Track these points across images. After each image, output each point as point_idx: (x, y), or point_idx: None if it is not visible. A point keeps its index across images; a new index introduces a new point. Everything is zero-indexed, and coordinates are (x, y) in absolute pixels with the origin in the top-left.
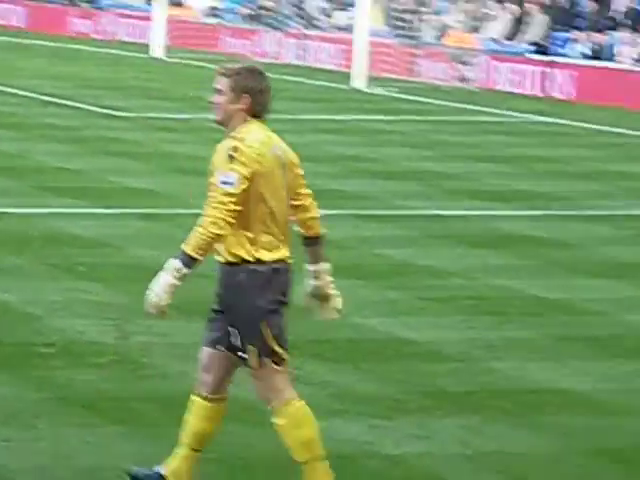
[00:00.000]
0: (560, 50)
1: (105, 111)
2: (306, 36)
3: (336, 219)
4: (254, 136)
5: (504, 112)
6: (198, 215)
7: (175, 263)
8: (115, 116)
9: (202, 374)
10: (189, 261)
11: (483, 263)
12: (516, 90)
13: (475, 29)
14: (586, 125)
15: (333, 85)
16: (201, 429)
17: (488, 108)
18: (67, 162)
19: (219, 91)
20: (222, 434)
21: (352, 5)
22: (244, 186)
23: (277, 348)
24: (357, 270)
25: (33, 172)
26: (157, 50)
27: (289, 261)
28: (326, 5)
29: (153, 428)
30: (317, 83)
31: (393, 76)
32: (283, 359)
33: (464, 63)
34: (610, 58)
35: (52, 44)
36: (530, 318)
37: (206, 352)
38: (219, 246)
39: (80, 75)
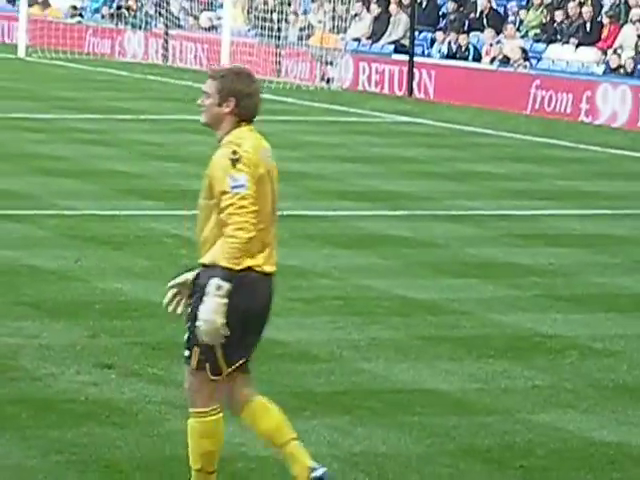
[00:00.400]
0: (423, 50)
1: None
2: (170, 36)
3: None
4: (248, 142)
5: (368, 112)
6: (60, 216)
7: (215, 282)
8: None
9: None
10: (227, 274)
11: (349, 263)
12: (380, 90)
13: (340, 29)
14: (449, 125)
15: (197, 85)
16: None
17: (352, 108)
18: None
19: (206, 93)
20: (86, 435)
21: (217, 6)
22: (254, 187)
23: (221, 360)
24: None
25: None
26: (21, 50)
27: (265, 270)
28: (190, 5)
29: (22, 431)
30: (182, 83)
31: (257, 76)
32: (221, 372)
33: (328, 63)
34: (472, 58)
35: None
36: (397, 318)
37: None
38: (204, 246)
39: None
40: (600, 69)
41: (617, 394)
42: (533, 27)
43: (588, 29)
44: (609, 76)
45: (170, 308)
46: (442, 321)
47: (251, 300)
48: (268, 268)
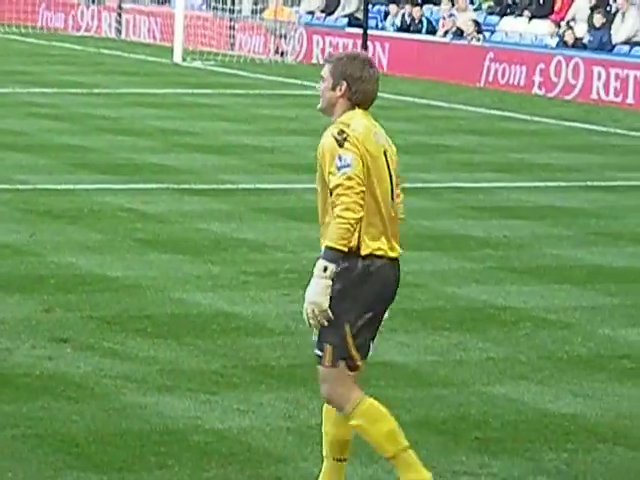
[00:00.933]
0: (377, 23)
1: None
2: (123, 10)
3: (156, 193)
4: (357, 122)
5: None
6: (14, 191)
7: (321, 264)
8: None
9: None
10: (334, 255)
11: (303, 236)
12: None
13: (294, 2)
14: (403, 98)
15: (151, 59)
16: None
17: (306, 81)
18: None
19: (322, 78)
20: (42, 410)
21: None
22: (360, 166)
23: (354, 352)
24: (179, 245)
25: None
26: None
27: (390, 255)
28: None
29: None
30: (136, 57)
31: (211, 49)
32: (357, 365)
33: (282, 36)
34: (426, 31)
35: None
36: None
37: None
38: (325, 231)
39: None
40: (554, 41)
41: (571, 366)
42: (486, 0)
43: (541, 1)
44: (562, 49)
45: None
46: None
47: (379, 287)
48: (392, 253)
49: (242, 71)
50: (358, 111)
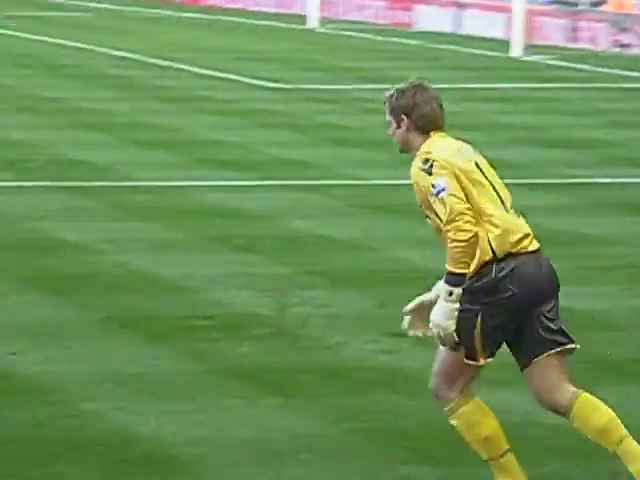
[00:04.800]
0: None
1: (261, 83)
2: (462, 5)
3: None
4: (438, 146)
5: None
6: (349, 186)
7: (446, 288)
8: (271, 88)
9: None
10: (455, 279)
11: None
12: None
13: None
14: None
15: (490, 54)
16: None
17: None
18: (224, 135)
19: (388, 122)
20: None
21: None
22: (455, 183)
23: (480, 347)
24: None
25: (191, 145)
26: (312, 21)
27: (529, 250)
28: None
29: (312, 399)
30: (474, 52)
31: (551, 43)
32: (477, 360)
33: (624, 29)
34: None
35: (207, 16)
36: None
37: None
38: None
39: (236, 47)
40: None
41: None
42: None
43: None
44: None
45: (410, 333)
46: None
47: (517, 287)
48: (530, 247)
49: (582, 64)
50: (435, 137)
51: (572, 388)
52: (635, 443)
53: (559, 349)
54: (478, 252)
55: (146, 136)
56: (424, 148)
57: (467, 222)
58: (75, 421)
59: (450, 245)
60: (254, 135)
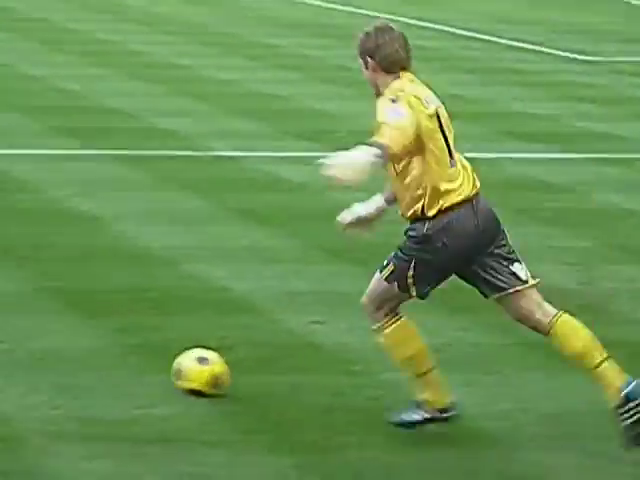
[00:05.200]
0: None
1: (573, 56)
2: None
3: None
4: (408, 88)
5: None
6: None
7: (374, 151)
8: (584, 61)
9: None
10: (380, 153)
11: None
12: None
13: None
14: None
15: None
16: None
17: None
18: (534, 107)
19: (359, 64)
20: None
21: None
22: (413, 119)
23: (411, 285)
24: None
25: (499, 117)
26: None
27: (459, 200)
28: None
29: None
30: None
31: None
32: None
33: None
34: None
35: None
36: None
37: None
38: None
39: (548, 19)
40: None
41: None
42: None
43: None
44: None
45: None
46: None
47: (452, 241)
48: (461, 197)
49: None
50: (404, 79)
51: (550, 309)
52: (612, 367)
53: (519, 288)
54: (413, 207)
55: (454, 109)
56: (396, 85)
57: (407, 136)
58: (375, 392)
59: (383, 129)
60: (563, 108)
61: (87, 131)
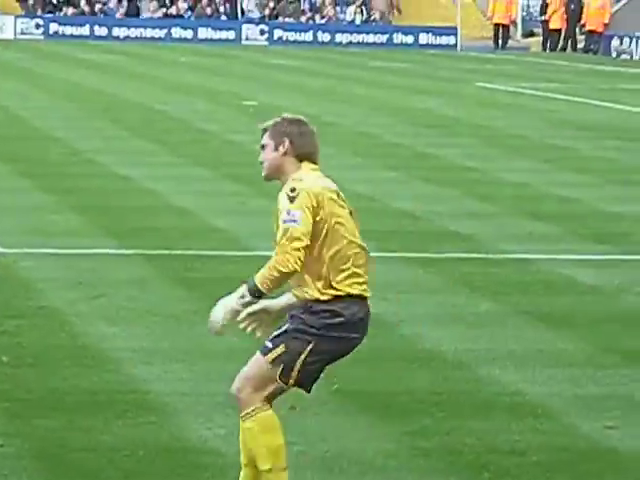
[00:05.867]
0: None
1: None
2: None
3: None
4: (310, 179)
5: None
6: None
7: (242, 290)
8: None
9: None
10: (258, 293)
11: None
12: None
13: None
14: None
15: None
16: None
17: None
18: None
19: (262, 146)
20: None
21: None
22: (309, 222)
23: (296, 372)
24: None
25: None
26: None
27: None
28: None
29: None
30: None
31: None
32: (287, 383)
33: None
34: None
35: None
36: None
37: None
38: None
39: None
40: None
41: None
42: None
43: None
44: None
45: (242, 326)
46: None
47: (353, 335)
48: (367, 293)
49: None
50: (307, 168)
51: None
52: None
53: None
54: (314, 283)
55: None
56: (296, 175)
57: (297, 257)
58: None
59: (272, 265)
60: None
61: (378, 234)
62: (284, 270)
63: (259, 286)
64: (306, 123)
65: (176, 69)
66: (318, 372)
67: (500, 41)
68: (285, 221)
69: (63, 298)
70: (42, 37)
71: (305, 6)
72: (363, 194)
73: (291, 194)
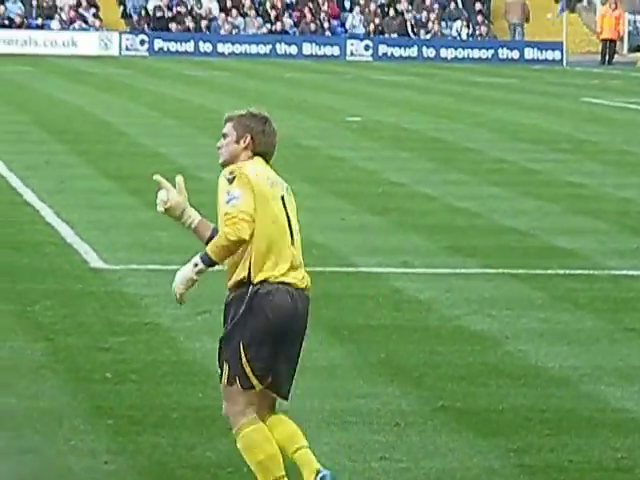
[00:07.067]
0: None
1: None
2: None
3: None
4: (250, 166)
5: None
6: None
7: (195, 260)
8: None
9: None
10: (209, 262)
11: None
12: None
13: None
14: None
15: None
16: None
17: None
18: None
19: (224, 135)
20: None
21: None
22: (250, 200)
23: (251, 375)
24: None
25: None
26: None
27: (284, 280)
28: None
29: None
30: None
31: None
32: (252, 386)
33: None
34: None
35: None
36: None
37: None
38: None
39: None
40: None
41: None
42: None
43: None
44: None
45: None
46: None
47: (271, 311)
48: (289, 280)
49: None
50: (256, 159)
51: (251, 417)
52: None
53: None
54: (239, 269)
55: None
56: (239, 164)
57: (245, 227)
58: None
59: (221, 234)
60: None
61: (483, 250)
62: (232, 238)
63: (210, 255)
64: (270, 122)
65: (281, 85)
66: (272, 359)
67: (607, 56)
68: (228, 201)
69: (168, 314)
70: (147, 53)
71: (410, 22)
72: (467, 210)
73: (229, 176)
